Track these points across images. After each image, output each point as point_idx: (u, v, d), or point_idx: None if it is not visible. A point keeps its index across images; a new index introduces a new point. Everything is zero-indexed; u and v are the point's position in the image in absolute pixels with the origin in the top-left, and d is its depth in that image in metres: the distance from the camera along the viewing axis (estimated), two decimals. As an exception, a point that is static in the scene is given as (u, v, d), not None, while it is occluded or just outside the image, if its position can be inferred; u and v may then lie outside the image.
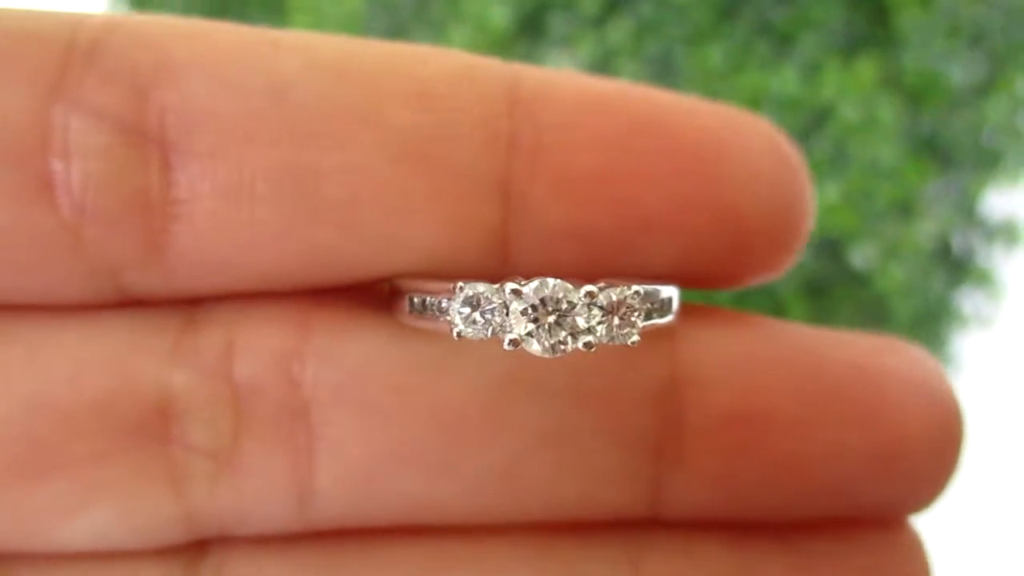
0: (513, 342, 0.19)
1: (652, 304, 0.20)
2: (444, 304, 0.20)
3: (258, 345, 0.21)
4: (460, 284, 0.19)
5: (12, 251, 0.19)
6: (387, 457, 0.21)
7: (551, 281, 0.19)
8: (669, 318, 0.21)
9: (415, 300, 0.20)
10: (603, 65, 0.97)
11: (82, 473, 0.20)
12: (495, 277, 0.20)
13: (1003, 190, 1.02)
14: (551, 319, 0.19)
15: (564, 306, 0.19)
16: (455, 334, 0.19)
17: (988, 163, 1.00)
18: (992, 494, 0.80)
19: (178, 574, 0.21)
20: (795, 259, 0.22)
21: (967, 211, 1.02)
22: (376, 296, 0.22)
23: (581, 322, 0.19)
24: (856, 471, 0.22)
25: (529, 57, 0.98)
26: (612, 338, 0.20)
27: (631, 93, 0.21)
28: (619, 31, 0.98)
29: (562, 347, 0.19)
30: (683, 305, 0.22)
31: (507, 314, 0.19)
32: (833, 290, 0.96)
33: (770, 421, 0.21)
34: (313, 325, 0.21)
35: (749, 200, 0.21)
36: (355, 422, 0.21)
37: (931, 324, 0.99)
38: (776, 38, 0.97)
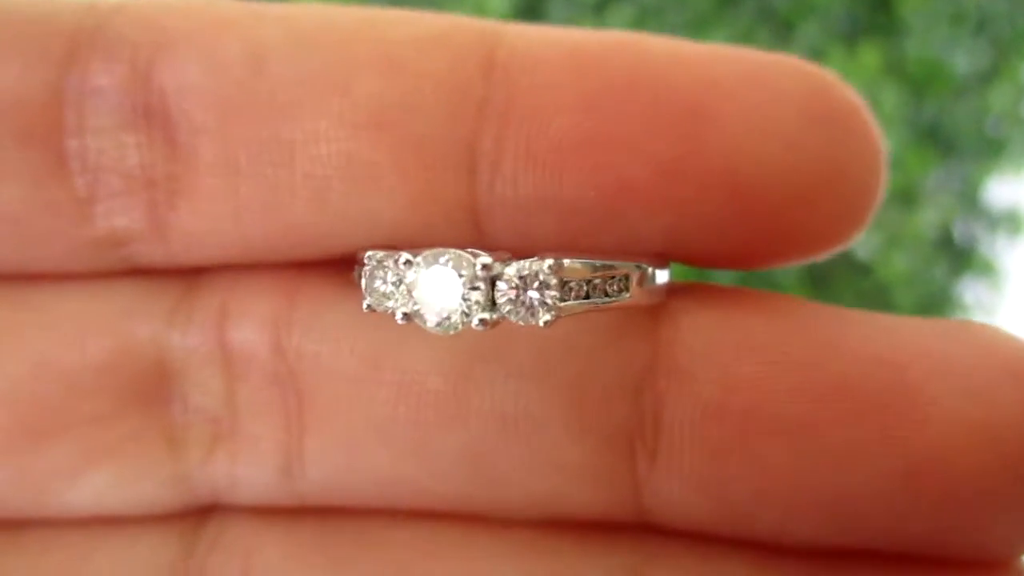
0: (405, 316, 0.18)
1: (591, 282, 0.18)
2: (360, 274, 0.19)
3: (249, 311, 0.21)
4: (368, 254, 0.18)
5: (27, 225, 0.20)
6: (362, 430, 0.21)
7: (447, 252, 0.17)
8: (624, 296, 0.18)
9: (356, 270, 0.20)
10: (603, 52, 0.96)
11: (85, 434, 0.21)
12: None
13: (1006, 179, 1.01)
14: (449, 293, 0.17)
15: (460, 279, 0.17)
16: (364, 306, 0.19)
17: (991, 152, 0.99)
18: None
19: (176, 542, 0.22)
20: (849, 236, 0.18)
21: (970, 200, 1.01)
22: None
23: (478, 297, 0.17)
24: (873, 488, 0.18)
25: (529, 44, 0.97)
26: (519, 316, 0.18)
27: (623, 45, 0.19)
28: (619, 18, 0.98)
29: (455, 323, 0.18)
30: (673, 284, 0.20)
31: (400, 286, 0.18)
32: (834, 279, 0.96)
33: (762, 419, 0.18)
34: (299, 295, 0.21)
35: (758, 162, 0.17)
36: (333, 392, 0.21)
37: (933, 313, 0.99)
38: (778, 24, 0.96)
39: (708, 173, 0.18)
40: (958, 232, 1.03)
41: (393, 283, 0.18)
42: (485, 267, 0.17)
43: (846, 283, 0.96)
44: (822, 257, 0.19)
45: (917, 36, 0.95)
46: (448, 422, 0.20)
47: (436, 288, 0.18)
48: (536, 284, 0.17)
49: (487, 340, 0.20)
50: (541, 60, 0.19)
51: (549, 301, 0.17)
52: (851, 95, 0.18)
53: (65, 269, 0.21)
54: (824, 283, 0.96)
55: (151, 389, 0.21)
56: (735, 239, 0.18)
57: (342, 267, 0.21)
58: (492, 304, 0.17)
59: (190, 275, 0.21)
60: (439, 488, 0.21)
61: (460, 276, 0.17)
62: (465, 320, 0.17)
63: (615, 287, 0.18)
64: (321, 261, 0.21)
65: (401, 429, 0.20)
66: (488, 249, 0.18)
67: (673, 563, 0.20)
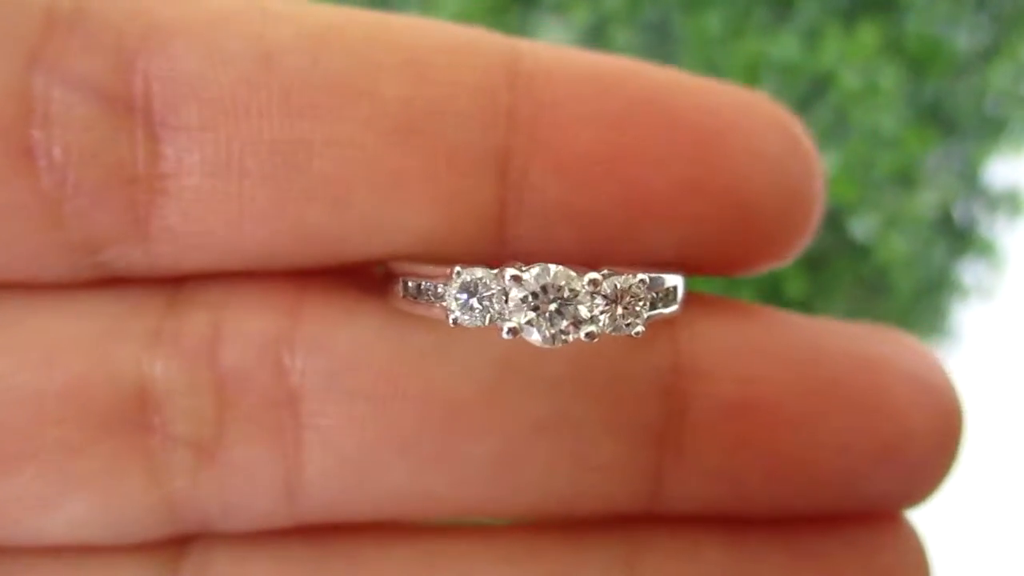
0: (512, 331, 0.18)
1: (657, 293, 0.19)
2: (440, 289, 0.19)
3: (245, 330, 0.20)
4: (457, 269, 0.18)
5: None
6: (379, 447, 0.20)
7: (553, 267, 0.18)
8: (674, 308, 0.20)
9: (409, 284, 0.20)
10: (597, 33, 0.95)
11: (55, 464, 0.19)
12: (491, 261, 0.19)
13: (1006, 159, 1.00)
14: (552, 307, 0.18)
15: (566, 294, 0.18)
16: (451, 321, 0.19)
17: (991, 131, 0.98)
18: (993, 468, 0.79)
19: (158, 570, 0.21)
20: (803, 246, 0.22)
21: (969, 180, 1.00)
22: (369, 279, 0.21)
23: (583, 311, 0.18)
24: (858, 465, 0.21)
25: (522, 25, 0.96)
26: (616, 328, 0.19)
27: (632, 69, 0.20)
28: (614, -2, 0.96)
29: (563, 337, 0.19)
30: (686, 294, 0.21)
31: (506, 301, 0.18)
32: (833, 262, 0.95)
33: (772, 413, 0.21)
34: (303, 310, 0.20)
35: (755, 183, 0.20)
36: (346, 411, 0.20)
37: (932, 296, 0.98)
38: (776, 3, 0.95)
39: (720, 190, 0.20)
40: (958, 213, 1.02)
41: (487, 297, 0.19)
42: (592, 282, 0.18)
43: (844, 266, 0.95)
44: (782, 263, 0.22)
45: (917, 14, 0.93)
46: (478, 431, 0.20)
47: (546, 303, 0.18)
48: (628, 298, 0.19)
49: (513, 351, 0.20)
50: (561, 75, 0.20)
51: (641, 313, 0.19)
52: (797, 123, 0.21)
53: (33, 276, 0.20)
54: (822, 266, 0.95)
55: (130, 416, 0.20)
56: (732, 249, 0.21)
57: (348, 278, 0.21)
58: (591, 318, 0.19)
59: (176, 287, 0.20)
60: (460, 496, 0.21)
61: (572, 291, 0.18)
62: (575, 333, 0.19)
63: (669, 298, 0.20)
64: (322, 271, 0.20)
65: (425, 442, 0.20)
66: (509, 258, 0.19)
67: (662, 547, 0.22)
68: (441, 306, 0.19)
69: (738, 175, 0.20)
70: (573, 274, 0.18)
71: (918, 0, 0.93)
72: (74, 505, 0.20)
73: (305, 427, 0.20)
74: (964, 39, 0.97)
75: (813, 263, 0.94)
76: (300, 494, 0.20)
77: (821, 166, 0.21)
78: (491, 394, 0.20)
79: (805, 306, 0.93)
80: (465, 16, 0.92)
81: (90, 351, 0.19)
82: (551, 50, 0.20)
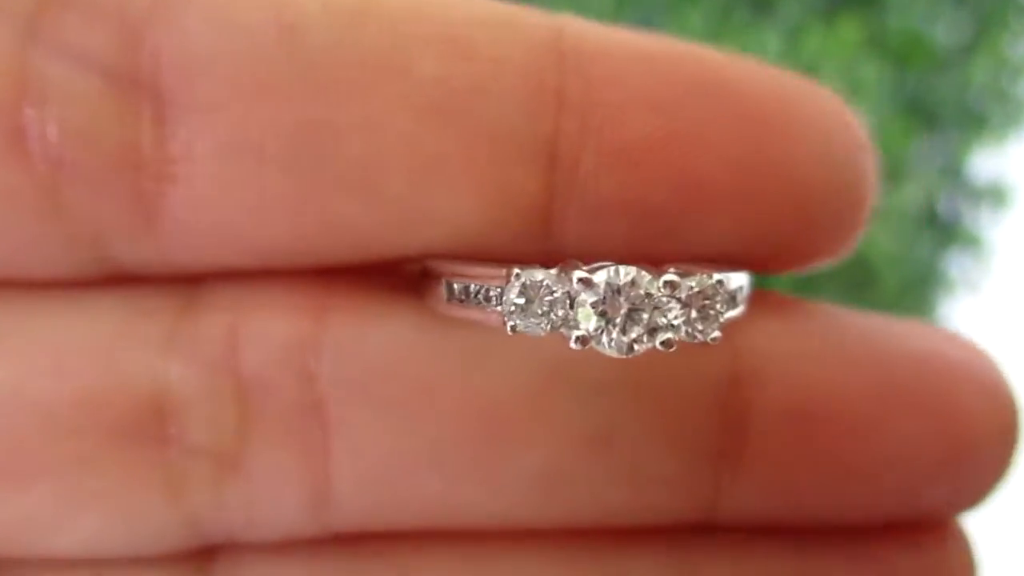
0: (581, 339, 0.16)
1: (727, 295, 0.18)
2: (492, 292, 0.17)
3: (266, 333, 0.18)
4: (516, 270, 0.16)
5: None
6: (412, 458, 0.19)
7: (624, 269, 0.16)
8: (740, 309, 0.18)
9: (455, 286, 0.18)
10: (581, 33, 0.95)
11: (67, 479, 0.18)
12: (536, 258, 0.17)
13: (990, 152, 1.01)
14: (623, 313, 0.16)
15: (639, 299, 0.16)
16: (508, 328, 0.17)
17: (974, 124, 0.99)
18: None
19: None
20: (855, 243, 0.20)
21: (953, 174, 1.01)
22: (401, 278, 0.20)
23: (659, 317, 0.16)
24: (922, 472, 0.20)
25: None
26: (691, 335, 0.17)
27: (684, 50, 0.18)
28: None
29: (637, 346, 0.17)
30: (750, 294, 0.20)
31: (571, 306, 0.16)
32: (819, 258, 0.95)
33: (835, 422, 0.20)
34: (330, 311, 0.19)
35: (818, 174, 0.18)
36: (376, 420, 0.19)
37: (918, 289, 0.99)
38: (757, 1, 0.95)
39: (779, 179, 0.18)
40: (942, 206, 1.02)
41: (549, 302, 0.16)
42: (669, 284, 0.16)
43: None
44: (835, 259, 0.21)
45: (898, 9, 0.94)
46: (522, 443, 0.19)
47: (616, 308, 0.16)
48: (703, 301, 0.17)
49: (560, 356, 0.19)
50: (608, 54, 0.18)
51: (718, 317, 0.17)
52: (856, 116, 0.20)
53: (34, 272, 0.18)
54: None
55: (146, 427, 0.18)
56: (791, 243, 0.19)
57: (380, 276, 0.19)
58: (668, 324, 0.17)
59: (192, 286, 0.19)
60: (501, 509, 0.20)
61: (647, 295, 0.16)
62: (649, 341, 0.17)
63: (736, 299, 0.18)
64: (351, 269, 0.19)
65: (462, 453, 0.19)
66: (556, 256, 0.17)
67: (717, 557, 0.21)
68: (494, 311, 0.17)
69: (802, 164, 0.18)
70: (647, 276, 0.16)
71: (898, -5, 0.94)
72: (88, 522, 0.19)
73: (333, 436, 0.19)
74: (945, 34, 0.97)
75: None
76: (329, 504, 0.19)
77: (875, 163, 0.20)
78: (536, 403, 0.19)
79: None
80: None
81: (103, 357, 0.18)
82: (596, 27, 0.18)
